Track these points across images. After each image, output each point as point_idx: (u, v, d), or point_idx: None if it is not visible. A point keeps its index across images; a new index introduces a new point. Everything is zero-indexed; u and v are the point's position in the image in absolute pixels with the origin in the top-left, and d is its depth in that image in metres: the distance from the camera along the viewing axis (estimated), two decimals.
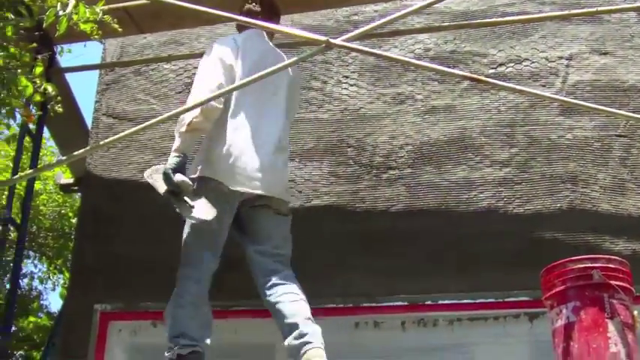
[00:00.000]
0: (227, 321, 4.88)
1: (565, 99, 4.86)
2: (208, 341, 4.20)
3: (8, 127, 4.40)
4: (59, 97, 4.36)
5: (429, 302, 4.79)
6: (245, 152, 4.41)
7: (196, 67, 5.67)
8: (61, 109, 4.36)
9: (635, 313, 3.43)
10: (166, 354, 4.09)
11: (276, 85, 4.59)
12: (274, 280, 4.26)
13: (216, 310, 4.80)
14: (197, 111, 4.22)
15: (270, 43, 4.77)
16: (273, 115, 4.55)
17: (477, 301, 4.74)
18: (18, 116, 4.24)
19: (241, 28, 4.81)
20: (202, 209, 4.22)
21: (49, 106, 4.39)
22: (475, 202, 4.97)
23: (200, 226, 4.29)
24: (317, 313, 4.80)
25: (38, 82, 4.19)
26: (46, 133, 6.05)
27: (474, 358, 3.97)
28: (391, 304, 4.82)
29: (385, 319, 4.81)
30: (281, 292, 4.21)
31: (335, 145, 5.30)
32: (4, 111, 4.07)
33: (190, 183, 4.23)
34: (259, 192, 4.38)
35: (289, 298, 4.19)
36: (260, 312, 4.81)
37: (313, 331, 4.05)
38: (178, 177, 4.18)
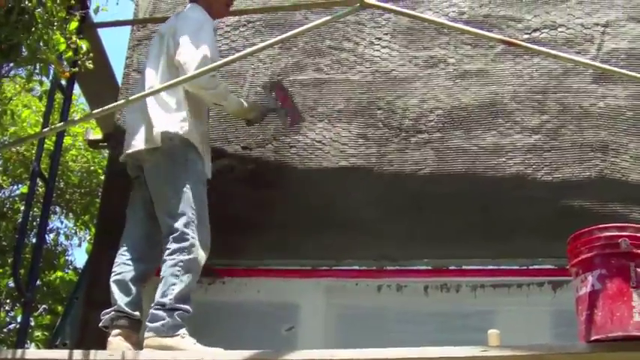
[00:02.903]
0: (251, 280, 4.90)
1: (600, 65, 4.79)
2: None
3: (41, 83, 4.40)
4: (91, 54, 4.36)
5: (452, 267, 4.76)
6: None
7: (228, 26, 5.70)
8: (91, 66, 4.36)
9: None
10: None
11: (157, 49, 4.73)
12: None
13: (240, 270, 4.86)
14: None
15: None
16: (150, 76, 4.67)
17: (502, 267, 4.71)
18: (51, 72, 4.24)
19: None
20: None
21: (79, 62, 4.38)
22: (504, 168, 4.92)
23: None
24: (341, 274, 4.83)
25: (73, 38, 4.19)
26: (76, 90, 6.05)
27: (495, 326, 3.93)
28: (415, 267, 4.79)
29: (408, 282, 4.78)
30: None
31: (365, 106, 5.25)
32: (37, 67, 4.06)
33: None
34: (129, 151, 4.56)
35: None
36: (283, 272, 4.83)
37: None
38: None
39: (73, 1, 4.58)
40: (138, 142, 4.48)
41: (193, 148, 4.45)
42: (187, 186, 4.35)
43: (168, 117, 4.44)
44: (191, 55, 4.44)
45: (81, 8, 5.04)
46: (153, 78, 4.58)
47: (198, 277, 4.32)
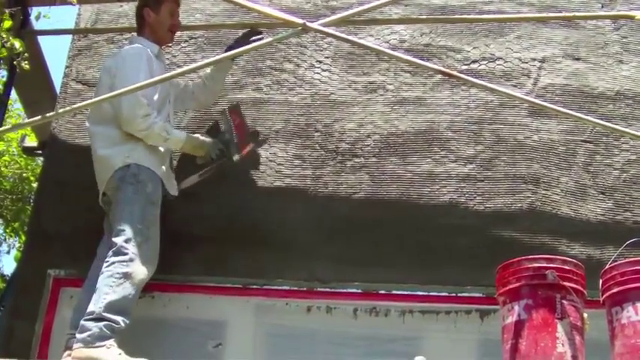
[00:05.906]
0: (180, 295, 4.87)
1: (535, 100, 4.86)
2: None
3: None
4: (26, 54, 4.33)
5: (382, 291, 4.78)
6: None
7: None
8: (27, 66, 4.33)
9: (585, 315, 3.47)
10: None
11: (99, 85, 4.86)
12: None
13: (170, 285, 4.84)
14: None
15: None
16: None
17: (431, 294, 4.74)
18: None
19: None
20: None
21: (15, 62, 4.35)
22: (437, 196, 4.97)
23: None
24: (271, 294, 4.83)
25: (5, 36, 4.15)
26: (13, 95, 6.00)
27: (422, 352, 3.95)
28: (345, 290, 4.81)
29: (338, 305, 4.79)
30: None
31: (302, 128, 5.28)
32: None
33: None
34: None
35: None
36: (213, 289, 4.82)
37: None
38: None
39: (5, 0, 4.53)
40: (100, 185, 4.60)
41: (145, 170, 4.50)
42: (133, 205, 4.40)
43: (112, 152, 4.52)
44: (124, 98, 4.45)
45: (21, 14, 5.01)
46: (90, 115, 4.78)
47: (138, 292, 4.30)
